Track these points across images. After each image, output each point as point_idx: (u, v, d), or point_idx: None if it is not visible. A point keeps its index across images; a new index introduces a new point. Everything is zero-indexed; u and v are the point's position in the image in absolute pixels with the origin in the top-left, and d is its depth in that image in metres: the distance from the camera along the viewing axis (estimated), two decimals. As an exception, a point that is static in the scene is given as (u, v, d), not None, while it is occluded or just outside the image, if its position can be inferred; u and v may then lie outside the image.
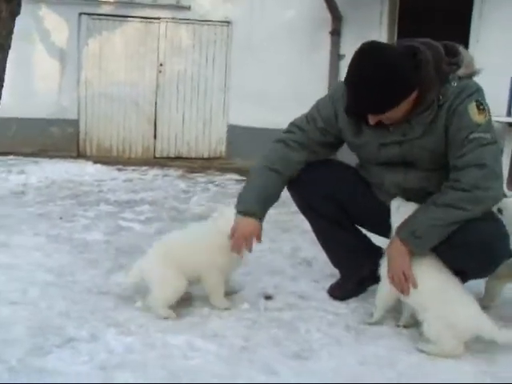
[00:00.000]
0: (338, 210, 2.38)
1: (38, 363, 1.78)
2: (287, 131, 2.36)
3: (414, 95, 1.98)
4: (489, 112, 2.03)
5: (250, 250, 2.27)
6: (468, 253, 1.99)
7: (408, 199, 2.16)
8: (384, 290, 2.16)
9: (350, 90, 2.01)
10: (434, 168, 2.13)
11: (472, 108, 1.99)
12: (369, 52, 1.96)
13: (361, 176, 2.40)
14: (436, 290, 2.02)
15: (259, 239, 2.27)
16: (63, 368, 1.76)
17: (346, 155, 2.42)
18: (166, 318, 2.16)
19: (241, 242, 2.22)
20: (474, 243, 1.98)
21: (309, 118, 2.31)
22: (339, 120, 2.24)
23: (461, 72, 2.04)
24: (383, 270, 2.15)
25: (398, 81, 1.91)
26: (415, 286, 2.03)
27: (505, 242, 2.04)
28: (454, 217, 2.00)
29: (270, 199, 2.30)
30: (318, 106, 2.32)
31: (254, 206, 2.26)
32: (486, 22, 6.38)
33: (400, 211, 2.13)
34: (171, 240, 2.35)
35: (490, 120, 2.03)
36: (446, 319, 1.96)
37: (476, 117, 1.99)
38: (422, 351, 1.98)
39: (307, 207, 2.44)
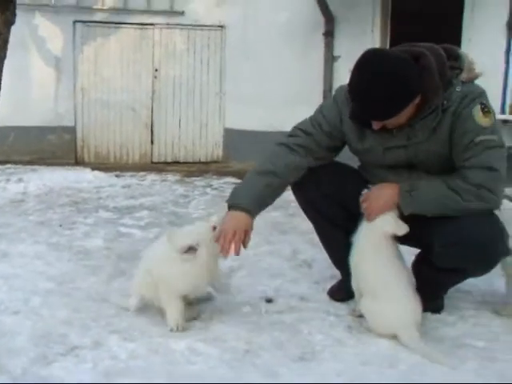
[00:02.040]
0: (341, 210, 2.38)
1: (43, 372, 1.79)
2: (291, 135, 2.33)
3: (417, 100, 1.99)
4: (494, 114, 2.05)
5: (244, 245, 2.14)
6: (465, 251, 2.01)
7: None
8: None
9: (353, 97, 2.03)
10: (437, 171, 2.15)
11: (477, 111, 2.01)
12: (371, 59, 1.98)
13: (363, 177, 2.41)
14: (380, 281, 2.08)
15: (248, 236, 2.15)
16: (68, 376, 1.78)
17: (345, 158, 2.43)
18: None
19: (230, 236, 2.09)
20: (470, 242, 1.99)
21: (313, 121, 2.30)
22: (344, 124, 2.24)
23: (463, 76, 2.05)
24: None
25: (401, 87, 1.92)
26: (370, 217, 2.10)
27: (502, 240, 2.05)
28: (453, 201, 2.02)
29: (265, 201, 2.26)
30: (322, 110, 2.32)
31: (247, 203, 2.18)
32: (478, 21, 6.42)
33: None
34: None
35: (495, 122, 2.04)
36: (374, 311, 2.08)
37: (481, 120, 2.01)
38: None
39: (310, 207, 2.44)
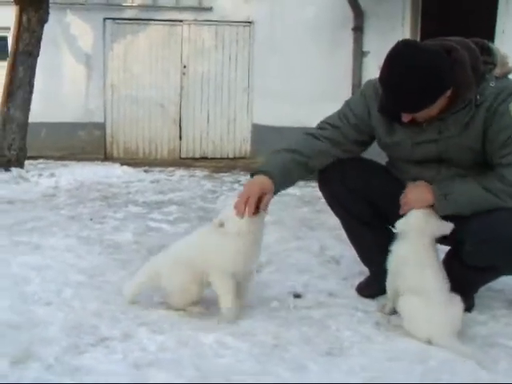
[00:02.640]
0: (369, 207, 2.37)
1: (74, 362, 1.82)
2: (318, 128, 2.33)
3: (449, 93, 1.96)
4: None
5: (263, 208, 2.06)
6: (497, 249, 1.98)
7: None
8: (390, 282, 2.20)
9: (384, 88, 2.00)
10: (468, 166, 2.12)
11: None
12: (403, 50, 1.95)
13: (391, 173, 2.39)
14: (424, 282, 2.05)
15: (267, 198, 2.06)
16: (98, 366, 1.80)
17: (374, 154, 2.41)
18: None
19: (244, 198, 2.01)
20: (502, 239, 1.96)
21: (341, 115, 2.29)
22: (372, 118, 2.23)
23: (497, 71, 2.02)
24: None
25: (433, 78, 1.90)
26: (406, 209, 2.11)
27: None
28: (489, 202, 2.02)
29: (289, 173, 2.19)
30: (349, 104, 2.31)
31: (269, 168, 2.13)
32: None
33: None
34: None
35: None
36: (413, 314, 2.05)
37: None
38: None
39: (335, 203, 2.43)
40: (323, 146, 2.27)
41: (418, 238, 2.09)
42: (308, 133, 2.31)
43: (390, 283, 2.20)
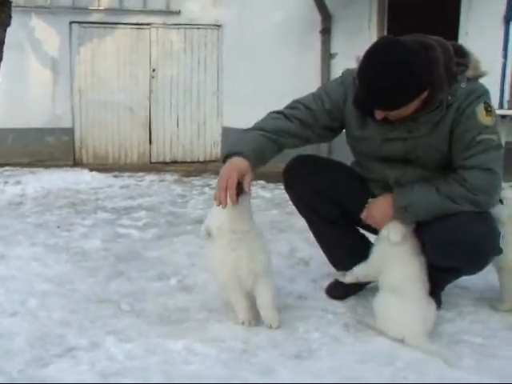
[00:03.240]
0: (335, 207, 2.37)
1: (40, 374, 1.79)
2: (290, 107, 2.25)
3: (425, 94, 1.97)
4: (495, 114, 2.05)
5: (245, 189, 1.97)
6: (455, 250, 2.01)
7: None
8: None
9: (361, 84, 1.97)
10: (434, 168, 2.14)
11: (480, 110, 2.01)
12: (383, 47, 1.93)
13: (357, 173, 2.40)
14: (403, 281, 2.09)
15: (247, 179, 1.98)
16: (64, 378, 1.77)
17: (339, 154, 2.43)
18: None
19: (223, 184, 1.93)
20: (461, 241, 1.99)
21: (316, 97, 2.24)
22: (346, 106, 2.20)
23: (469, 74, 2.04)
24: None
25: (412, 79, 1.89)
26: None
27: (494, 239, 2.04)
28: (449, 208, 2.04)
29: (262, 154, 2.11)
30: (326, 88, 2.28)
31: (241, 148, 2.05)
32: (475, 14, 6.40)
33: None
34: None
35: (496, 122, 2.05)
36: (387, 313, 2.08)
37: (484, 118, 2.00)
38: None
39: (304, 206, 2.42)
40: (292, 126, 2.19)
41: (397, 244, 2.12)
42: (278, 111, 2.25)
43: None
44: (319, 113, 2.21)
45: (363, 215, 2.23)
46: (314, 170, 2.34)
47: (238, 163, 2.02)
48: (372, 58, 1.94)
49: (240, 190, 1.98)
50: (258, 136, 2.14)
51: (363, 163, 2.36)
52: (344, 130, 2.30)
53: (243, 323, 2.13)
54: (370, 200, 2.24)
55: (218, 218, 2.03)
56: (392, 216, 2.13)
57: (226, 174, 1.97)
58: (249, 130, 2.20)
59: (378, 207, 2.19)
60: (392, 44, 1.93)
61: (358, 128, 2.20)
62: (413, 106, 1.98)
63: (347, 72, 2.24)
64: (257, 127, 2.20)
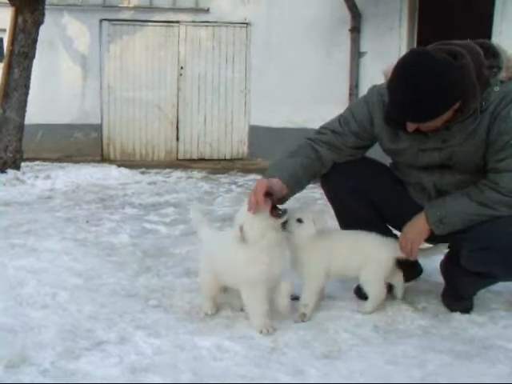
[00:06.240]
0: (371, 206, 2.34)
1: (70, 366, 1.80)
2: (318, 132, 2.30)
3: (457, 105, 1.92)
4: None
5: (278, 201, 2.05)
6: (494, 256, 1.97)
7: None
8: None
9: (393, 97, 1.96)
10: (472, 171, 2.11)
11: None
12: (413, 60, 1.91)
13: (395, 174, 2.37)
14: None
15: (280, 192, 2.06)
16: (94, 371, 1.79)
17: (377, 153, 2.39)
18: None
19: (255, 196, 1.98)
20: (500, 246, 1.96)
21: (342, 120, 2.27)
22: (375, 125, 2.20)
23: (502, 75, 1.99)
24: None
25: (444, 91, 1.86)
26: (413, 258, 2.24)
27: None
28: (484, 215, 2.02)
29: (299, 180, 2.19)
30: (351, 109, 2.29)
31: (278, 174, 2.12)
32: (509, 12, 6.27)
33: None
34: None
35: None
36: None
37: None
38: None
39: (339, 202, 2.40)
40: (322, 151, 2.24)
41: None
42: (307, 138, 2.29)
43: None
44: (346, 136, 2.25)
45: (400, 245, 2.22)
46: (352, 167, 2.31)
47: (270, 181, 2.07)
48: (403, 71, 1.91)
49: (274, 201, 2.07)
50: (294, 163, 2.19)
51: (400, 168, 2.34)
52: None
53: (261, 332, 2.06)
54: (404, 228, 2.22)
55: (253, 222, 2.03)
56: (427, 234, 2.13)
57: (256, 184, 2.04)
58: (284, 156, 2.24)
59: (413, 229, 2.18)
60: (422, 56, 1.90)
61: (391, 142, 2.20)
62: (445, 116, 1.95)
63: (372, 90, 2.24)
64: (292, 153, 2.24)
